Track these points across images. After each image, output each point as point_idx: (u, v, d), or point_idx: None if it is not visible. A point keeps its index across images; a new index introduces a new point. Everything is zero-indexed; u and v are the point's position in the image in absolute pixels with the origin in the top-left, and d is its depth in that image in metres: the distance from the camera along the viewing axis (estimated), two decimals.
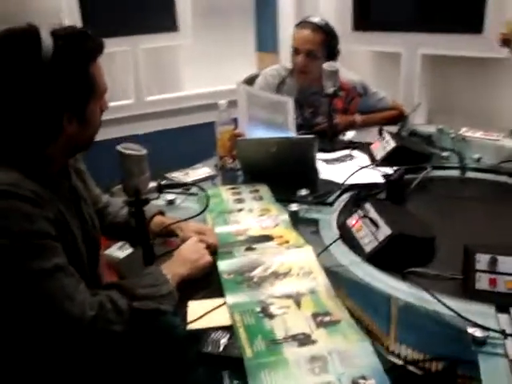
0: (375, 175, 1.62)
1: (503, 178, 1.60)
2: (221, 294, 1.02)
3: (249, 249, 1.19)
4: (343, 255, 1.17)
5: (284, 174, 1.54)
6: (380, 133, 1.76)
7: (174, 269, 1.03)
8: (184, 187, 1.24)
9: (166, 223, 1.20)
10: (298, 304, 0.97)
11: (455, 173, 1.69)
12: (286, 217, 1.35)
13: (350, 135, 2.02)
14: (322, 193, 1.51)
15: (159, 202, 1.35)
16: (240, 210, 1.40)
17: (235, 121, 1.76)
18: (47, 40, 0.86)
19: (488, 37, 2.75)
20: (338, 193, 1.51)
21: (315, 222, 1.36)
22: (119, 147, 1.02)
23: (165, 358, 0.88)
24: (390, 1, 3.27)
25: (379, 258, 1.15)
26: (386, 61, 3.31)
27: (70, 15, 2.74)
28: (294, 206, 1.40)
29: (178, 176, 1.60)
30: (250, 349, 0.83)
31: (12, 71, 0.86)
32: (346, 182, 1.56)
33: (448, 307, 0.95)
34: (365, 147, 1.88)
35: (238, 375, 0.81)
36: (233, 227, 1.31)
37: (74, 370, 0.88)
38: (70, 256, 0.90)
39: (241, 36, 3.66)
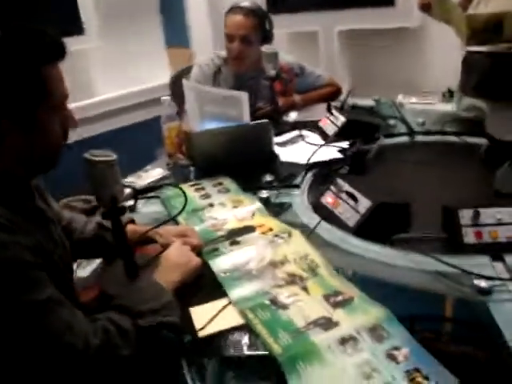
0: (332, 151, 1.62)
1: (451, 138, 1.67)
2: (219, 295, 0.96)
3: (234, 243, 1.13)
4: (329, 233, 1.16)
5: (243, 162, 1.50)
6: (329, 109, 1.77)
7: (165, 277, 0.95)
8: (156, 190, 1.15)
9: (140, 231, 1.11)
10: (305, 289, 0.94)
11: (405, 139, 1.74)
12: (259, 205, 1.31)
13: (292, 116, 2.02)
14: (287, 175, 1.49)
15: None
16: (211, 205, 1.34)
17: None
18: None
19: (400, 8, 2.87)
20: (302, 173, 1.49)
21: (289, 206, 1.34)
22: (87, 155, 0.91)
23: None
24: None
25: (364, 229, 1.15)
26: (303, 40, 3.36)
27: None
28: (264, 193, 1.37)
29: (133, 181, 1.49)
30: (277, 344, 0.79)
31: None
32: (304, 161, 1.55)
33: (451, 265, 0.96)
34: (312, 125, 1.89)
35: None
36: (209, 223, 1.24)
37: None
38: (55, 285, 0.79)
39: (149, 33, 3.53)
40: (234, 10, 2.00)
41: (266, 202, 1.34)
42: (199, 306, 0.93)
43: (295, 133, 1.83)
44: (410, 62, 3.03)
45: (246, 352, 0.79)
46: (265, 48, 1.82)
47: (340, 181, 1.29)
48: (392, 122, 1.83)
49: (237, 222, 1.24)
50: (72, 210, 1.34)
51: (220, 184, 1.46)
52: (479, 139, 1.61)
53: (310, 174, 1.51)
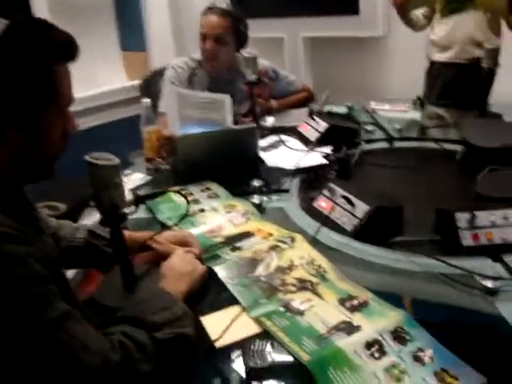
0: (316, 156, 1.63)
1: (429, 144, 1.73)
2: (227, 302, 0.93)
3: (235, 249, 1.11)
4: (328, 238, 1.16)
5: (228, 167, 1.47)
6: (310, 115, 1.78)
7: (172, 287, 0.91)
8: (159, 196, 1.10)
9: (137, 238, 1.07)
10: (318, 294, 0.93)
11: (384, 144, 1.78)
12: (254, 209, 1.29)
13: (270, 121, 2.01)
14: (274, 180, 1.48)
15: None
16: (202, 210, 1.30)
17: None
18: None
19: (364, 17, 2.95)
20: (290, 178, 1.49)
21: (280, 211, 1.33)
22: (88, 158, 0.86)
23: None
24: None
25: (362, 234, 1.16)
26: (268, 46, 3.37)
27: None
28: (255, 198, 1.36)
29: None
30: (303, 351, 0.77)
31: None
32: (292, 167, 1.55)
33: (457, 267, 0.99)
34: (291, 131, 1.89)
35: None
36: (202, 229, 1.21)
37: None
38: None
39: (104, 36, 3.44)
40: (209, 10, 1.98)
41: (258, 207, 1.33)
42: (211, 315, 0.90)
43: (274, 138, 1.83)
44: (374, 70, 3.12)
45: (273, 360, 0.77)
46: (245, 52, 1.81)
47: (333, 185, 1.30)
48: (369, 128, 1.87)
49: (233, 227, 1.22)
50: None
51: (208, 189, 1.43)
52: (456, 145, 1.67)
53: (296, 180, 1.51)
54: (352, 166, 1.59)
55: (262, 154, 1.66)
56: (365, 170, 1.60)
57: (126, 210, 0.91)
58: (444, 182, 1.50)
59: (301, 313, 0.87)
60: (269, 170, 1.58)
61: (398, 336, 0.80)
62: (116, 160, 0.88)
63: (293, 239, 1.11)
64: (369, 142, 1.77)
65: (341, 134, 1.74)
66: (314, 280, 0.97)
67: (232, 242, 1.14)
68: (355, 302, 0.90)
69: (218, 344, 0.82)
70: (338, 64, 3.22)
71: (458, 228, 1.09)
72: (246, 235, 1.17)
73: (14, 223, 0.70)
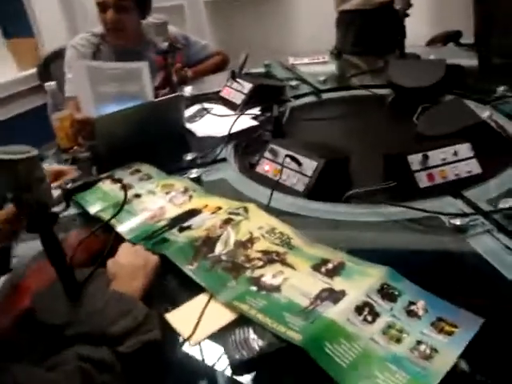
0: (246, 119, 1.53)
1: (357, 92, 1.69)
2: (190, 292, 0.82)
3: (184, 229, 0.99)
4: (282, 202, 1.07)
5: (156, 144, 1.34)
6: (233, 77, 1.66)
7: (126, 286, 0.78)
8: (90, 187, 0.93)
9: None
10: (289, 265, 0.85)
11: (312, 98, 1.72)
12: (194, 185, 1.17)
13: (188, 90, 1.87)
14: (209, 151, 1.37)
15: None
16: (137, 195, 1.16)
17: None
18: None
19: None
20: (224, 146, 1.38)
21: (223, 182, 1.23)
22: None
23: None
24: None
25: (315, 192, 1.09)
26: (169, 15, 3.17)
27: None
28: (193, 173, 1.23)
29: None
30: (291, 330, 0.69)
31: None
32: (223, 134, 1.44)
33: (424, 210, 0.95)
34: (213, 97, 1.77)
35: None
36: (142, 216, 1.07)
37: None
38: None
39: None
40: None
41: (197, 181, 1.21)
42: (176, 310, 0.79)
43: (197, 107, 1.69)
44: (282, 27, 3.04)
45: (261, 348, 0.68)
46: (153, 18, 1.63)
47: (275, 146, 1.21)
48: (294, 83, 1.79)
49: (176, 208, 1.09)
50: None
51: (138, 171, 1.28)
52: (383, 90, 1.65)
53: (230, 147, 1.40)
54: (284, 124, 1.51)
55: (188, 126, 1.53)
56: (298, 127, 1.53)
57: (56, 209, 0.76)
58: (381, 128, 1.47)
59: (276, 288, 0.79)
60: (199, 140, 1.46)
61: (386, 293, 0.75)
62: (34, 150, 0.72)
63: (246, 209, 1.01)
64: (296, 97, 1.69)
65: (267, 92, 1.65)
66: (281, 250, 0.89)
67: (178, 222, 1.02)
68: (330, 266, 0.82)
69: (192, 342, 0.72)
70: (243, 25, 3.10)
71: (413, 171, 1.06)
72: (192, 213, 1.05)
73: None
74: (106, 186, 1.21)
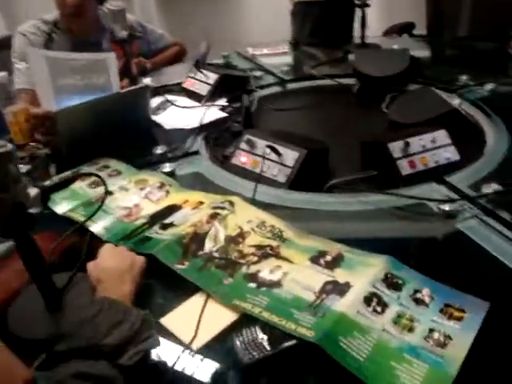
0: (214, 110, 1.48)
1: (322, 82, 1.68)
2: (183, 292, 0.77)
3: (166, 226, 0.93)
4: (262, 195, 1.04)
5: (123, 137, 1.26)
6: (197, 68, 1.60)
7: (114, 291, 0.71)
8: (68, 184, 0.84)
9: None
10: (285, 258, 0.81)
11: (277, 88, 1.69)
12: (170, 180, 1.11)
13: (147, 82, 1.79)
14: (179, 144, 1.31)
15: None
16: (109, 193, 1.08)
17: None
18: None
19: None
20: (194, 139, 1.32)
21: (199, 175, 1.17)
22: None
23: None
24: None
25: (297, 182, 1.07)
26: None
27: None
28: (166, 167, 1.17)
29: None
30: (302, 327, 0.66)
31: None
32: (192, 126, 1.38)
33: (413, 197, 0.95)
34: (175, 89, 1.70)
35: None
36: (117, 214, 1.00)
37: None
38: None
39: None
40: None
41: (171, 176, 1.15)
42: (171, 314, 0.73)
43: (160, 99, 1.62)
44: (235, 18, 3.00)
45: (272, 347, 0.64)
46: (110, 5, 1.53)
47: (252, 137, 1.17)
48: (258, 74, 1.76)
49: (153, 204, 1.03)
50: None
51: (106, 167, 1.20)
52: (347, 79, 1.65)
53: (200, 139, 1.35)
54: (253, 115, 1.48)
55: (153, 118, 1.45)
56: (267, 117, 1.50)
57: (32, 210, 0.68)
58: (351, 117, 1.47)
59: (276, 284, 0.75)
60: (167, 133, 1.40)
61: (391, 282, 0.73)
62: (8, 145, 0.64)
63: (231, 203, 0.97)
64: (261, 87, 1.66)
65: (232, 83, 1.61)
66: (274, 243, 0.85)
67: (157, 219, 0.96)
68: (329, 258, 0.80)
69: (194, 347, 0.67)
70: (195, 16, 3.02)
71: (395, 158, 1.05)
72: (172, 209, 0.99)
73: None
74: (74, 184, 1.12)
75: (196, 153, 1.27)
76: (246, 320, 0.70)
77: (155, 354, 0.65)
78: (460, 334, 0.64)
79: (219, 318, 0.71)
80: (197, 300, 0.75)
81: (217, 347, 0.67)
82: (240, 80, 1.62)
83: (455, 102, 1.26)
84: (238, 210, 0.95)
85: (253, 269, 0.79)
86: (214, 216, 0.93)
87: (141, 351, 0.61)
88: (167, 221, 0.95)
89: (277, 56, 2.00)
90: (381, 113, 1.40)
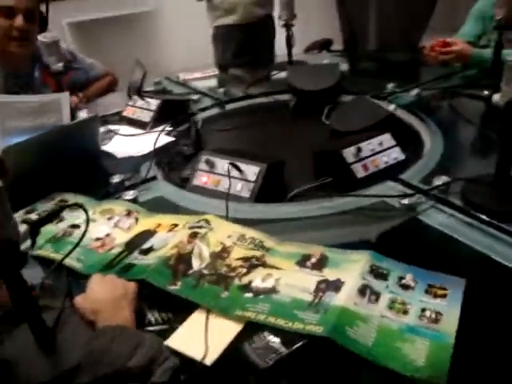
0: (161, 136, 1.49)
1: (260, 100, 1.75)
2: (181, 311, 0.78)
3: (146, 252, 0.93)
4: (232, 211, 1.07)
5: (76, 170, 1.24)
6: (140, 96, 1.60)
7: (115, 319, 0.71)
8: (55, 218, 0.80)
9: None
10: (272, 266, 0.85)
11: (216, 110, 1.73)
12: (136, 207, 1.11)
13: (83, 115, 1.75)
14: (135, 171, 1.30)
15: None
16: (74, 226, 1.06)
17: None
18: None
19: None
20: (146, 165, 1.32)
21: (163, 200, 1.18)
22: None
23: None
24: None
25: (261, 196, 1.11)
26: None
27: None
28: (129, 195, 1.17)
29: None
30: (310, 324, 0.69)
31: None
32: (143, 152, 1.39)
33: (377, 195, 1.03)
34: (114, 119, 1.69)
35: None
36: (90, 246, 0.98)
37: None
38: None
39: None
40: None
41: (135, 203, 1.15)
42: (175, 334, 0.74)
43: (101, 129, 1.60)
44: (154, 45, 3.01)
45: (286, 348, 0.67)
46: (43, 37, 1.49)
47: (210, 157, 1.20)
48: (195, 97, 1.79)
49: (124, 232, 1.02)
50: None
51: (63, 201, 1.16)
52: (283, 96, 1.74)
53: (152, 164, 1.35)
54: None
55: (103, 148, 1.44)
56: (214, 138, 1.54)
57: (22, 247, 0.66)
58: (295, 130, 1.54)
59: (272, 290, 0.78)
60: (118, 162, 1.38)
61: (377, 273, 0.79)
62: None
63: (207, 221, 0.99)
64: (203, 110, 1.70)
65: (173, 107, 1.63)
66: (258, 254, 0.88)
67: (134, 246, 0.96)
68: (314, 260, 0.85)
69: (207, 361, 0.68)
70: (112, 46, 2.99)
71: (349, 163, 1.13)
72: (147, 235, 0.99)
73: None
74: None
75: (154, 178, 1.27)
76: (251, 328, 0.72)
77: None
78: (448, 309, 0.72)
79: (225, 330, 0.73)
80: (198, 317, 0.76)
81: (231, 358, 0.68)
82: (180, 104, 1.65)
83: (390, 107, 1.38)
84: (216, 227, 0.97)
85: (245, 280, 0.82)
86: (193, 235, 0.94)
87: (168, 369, 0.62)
88: (145, 246, 0.95)
89: (207, 79, 2.05)
90: (321, 124, 1.49)
